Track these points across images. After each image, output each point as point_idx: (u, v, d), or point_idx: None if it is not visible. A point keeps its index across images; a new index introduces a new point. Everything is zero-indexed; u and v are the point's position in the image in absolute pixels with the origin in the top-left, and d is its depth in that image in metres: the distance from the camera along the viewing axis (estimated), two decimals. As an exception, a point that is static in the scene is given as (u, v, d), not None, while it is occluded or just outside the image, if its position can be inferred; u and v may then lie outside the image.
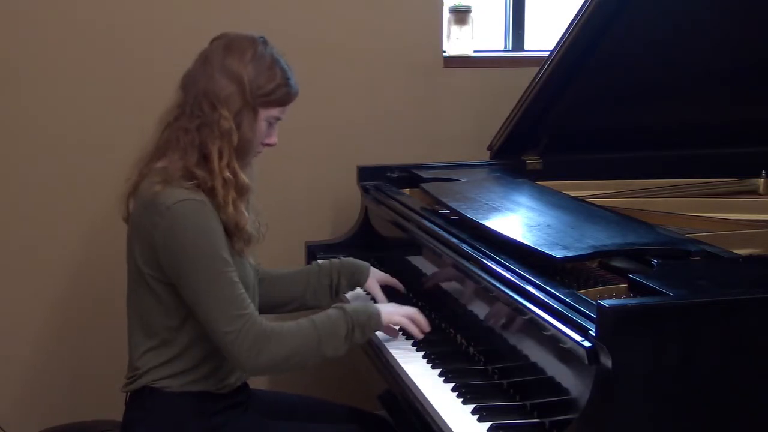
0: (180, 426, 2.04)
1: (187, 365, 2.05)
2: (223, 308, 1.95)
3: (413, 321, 2.16)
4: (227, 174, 2.00)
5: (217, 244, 1.97)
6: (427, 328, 2.17)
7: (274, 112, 2.08)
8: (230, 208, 2.00)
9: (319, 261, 2.42)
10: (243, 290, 1.99)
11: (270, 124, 2.09)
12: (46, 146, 2.98)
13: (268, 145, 2.12)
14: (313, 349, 2.01)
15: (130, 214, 2.09)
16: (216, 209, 1.99)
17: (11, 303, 3.02)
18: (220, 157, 2.00)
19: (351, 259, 2.43)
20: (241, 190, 2.03)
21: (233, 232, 2.03)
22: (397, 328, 2.18)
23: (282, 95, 2.06)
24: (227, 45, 2.05)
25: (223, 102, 2.00)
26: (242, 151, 2.04)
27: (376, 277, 2.41)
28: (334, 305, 2.13)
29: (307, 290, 2.35)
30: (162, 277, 2.01)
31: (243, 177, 2.03)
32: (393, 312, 2.15)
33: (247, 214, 2.05)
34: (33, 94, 2.95)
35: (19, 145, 2.96)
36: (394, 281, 2.45)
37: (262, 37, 2.09)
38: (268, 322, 2.00)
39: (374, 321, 2.10)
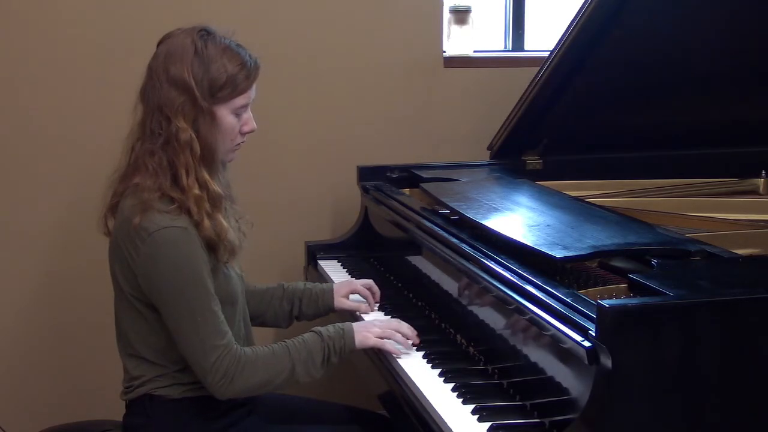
0: (181, 430, 2.03)
1: (184, 380, 2.02)
2: (201, 339, 1.92)
3: (390, 337, 2.10)
4: (196, 191, 1.93)
5: (198, 272, 1.93)
6: (414, 340, 2.12)
7: (239, 101, 1.99)
8: (206, 222, 1.94)
9: (286, 284, 2.35)
10: (222, 319, 1.96)
11: (238, 115, 2.01)
12: (38, 147, 2.99)
13: (248, 132, 2.04)
14: (286, 376, 1.99)
15: (111, 235, 2.04)
16: (195, 227, 1.94)
17: (11, 302, 3.02)
18: (188, 174, 1.93)
19: (316, 285, 2.38)
20: (215, 201, 1.97)
21: (217, 244, 1.97)
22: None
23: (241, 82, 1.97)
24: (168, 51, 1.96)
25: (176, 113, 1.92)
26: (209, 158, 1.97)
27: (341, 294, 2.36)
28: (311, 330, 2.08)
29: (267, 311, 2.32)
30: (144, 299, 1.98)
31: (214, 186, 1.97)
32: (368, 336, 2.08)
33: (226, 223, 1.99)
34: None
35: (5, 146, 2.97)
36: (361, 288, 2.38)
37: (202, 30, 1.98)
38: (242, 349, 1.97)
39: (348, 347, 2.06)
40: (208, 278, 1.95)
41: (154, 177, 1.93)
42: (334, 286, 2.38)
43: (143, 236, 1.91)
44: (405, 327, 2.14)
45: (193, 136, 1.94)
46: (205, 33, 1.99)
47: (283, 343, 2.03)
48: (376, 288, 2.41)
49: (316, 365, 2.02)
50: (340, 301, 2.35)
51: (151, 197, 1.92)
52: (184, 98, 1.93)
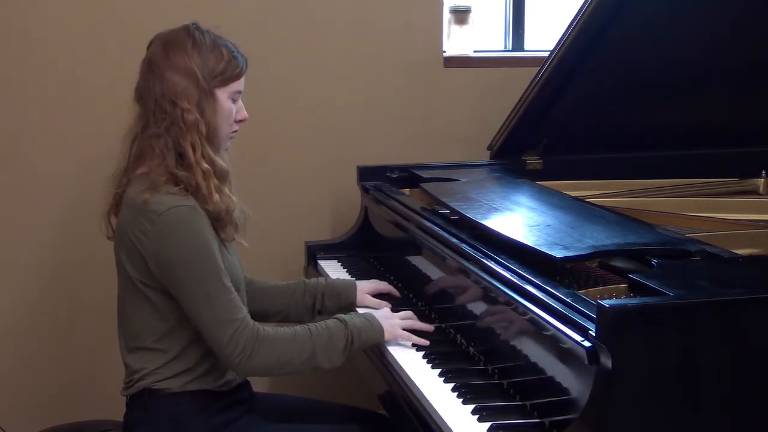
0: (181, 425, 2.04)
1: (185, 366, 2.05)
2: (217, 314, 1.96)
3: (412, 327, 2.18)
4: (204, 165, 2.02)
5: (210, 247, 1.98)
6: (430, 329, 2.19)
7: (234, 86, 2.09)
8: (215, 197, 2.02)
9: (307, 280, 2.43)
10: (235, 294, 2.01)
11: (234, 101, 2.11)
12: (38, 148, 2.98)
13: (241, 121, 2.13)
14: (307, 358, 2.03)
15: (117, 225, 2.08)
16: (203, 203, 2.00)
17: (11, 302, 3.02)
18: (194, 150, 2.01)
19: (337, 281, 2.45)
20: (222, 176, 2.05)
21: (224, 219, 2.04)
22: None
23: (234, 69, 2.08)
24: (165, 44, 2.06)
25: (181, 96, 2.01)
26: (213, 137, 2.06)
27: (365, 290, 2.41)
28: (334, 317, 2.13)
29: (289, 306, 2.37)
30: (153, 284, 2.01)
31: (220, 162, 2.06)
32: (396, 325, 2.15)
33: (233, 197, 2.07)
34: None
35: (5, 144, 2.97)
36: (385, 287, 2.45)
37: (194, 24, 2.10)
38: (261, 326, 2.02)
39: (375, 339, 2.12)
40: (218, 254, 2.00)
41: (161, 158, 2.01)
42: (358, 282, 2.43)
43: (152, 218, 1.96)
44: (419, 322, 2.21)
45: (199, 116, 2.02)
46: (197, 26, 2.10)
47: (305, 326, 2.08)
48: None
49: (338, 351, 2.06)
50: (363, 298, 2.40)
51: (158, 180, 1.99)
52: (187, 82, 2.02)
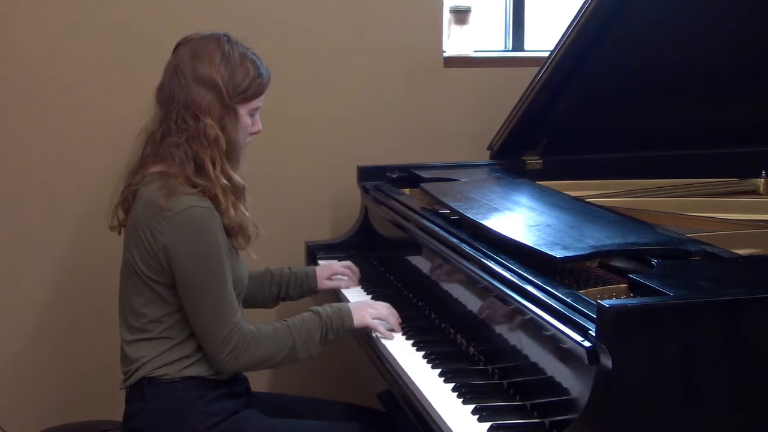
0: (179, 412, 2.06)
1: (184, 352, 2.08)
2: (217, 314, 2.02)
3: (385, 319, 2.22)
4: (223, 181, 2.05)
5: (220, 250, 2.02)
6: (397, 325, 2.23)
7: (255, 103, 2.12)
8: (232, 212, 2.06)
9: (273, 269, 2.48)
10: (234, 297, 2.06)
11: (251, 116, 2.13)
12: (43, 143, 2.98)
13: (255, 133, 2.16)
14: (288, 353, 2.10)
15: (128, 220, 2.11)
16: (220, 214, 2.04)
17: (9, 303, 3.02)
18: (214, 165, 2.04)
19: (299, 270, 2.52)
20: (238, 192, 2.09)
21: (237, 232, 2.09)
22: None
23: (258, 86, 2.11)
24: (194, 51, 2.07)
25: (204, 111, 2.04)
26: (232, 152, 2.09)
27: (323, 276, 2.51)
28: (309, 309, 2.18)
29: (257, 295, 2.44)
30: (163, 280, 2.04)
31: (237, 179, 2.09)
32: (365, 315, 2.20)
33: (247, 213, 2.10)
34: (29, 90, 2.96)
35: (13, 142, 2.96)
36: (338, 268, 2.55)
37: (225, 35, 2.11)
38: (248, 326, 2.07)
39: (347, 325, 2.17)
40: (227, 257, 2.05)
41: (181, 166, 2.04)
42: (317, 269, 2.53)
43: (169, 216, 1.99)
44: (395, 315, 2.25)
45: (220, 132, 2.05)
46: (228, 38, 2.10)
47: (284, 321, 2.13)
48: (355, 267, 2.58)
49: (315, 343, 2.12)
50: (322, 283, 2.53)
51: (177, 182, 2.02)
52: (211, 96, 2.05)
